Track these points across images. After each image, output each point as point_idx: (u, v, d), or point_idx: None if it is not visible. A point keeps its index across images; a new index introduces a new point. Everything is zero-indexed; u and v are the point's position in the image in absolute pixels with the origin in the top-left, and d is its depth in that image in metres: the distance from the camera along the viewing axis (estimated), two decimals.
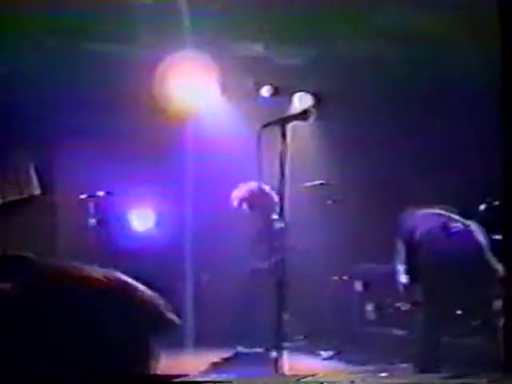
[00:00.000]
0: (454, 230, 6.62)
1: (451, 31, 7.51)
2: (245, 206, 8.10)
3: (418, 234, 6.76)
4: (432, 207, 6.93)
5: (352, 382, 2.65)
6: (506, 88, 4.14)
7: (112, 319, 1.90)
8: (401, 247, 6.80)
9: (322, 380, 2.66)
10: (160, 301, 2.01)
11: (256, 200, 7.85)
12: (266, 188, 7.53)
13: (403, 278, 6.75)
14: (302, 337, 8.01)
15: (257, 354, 6.96)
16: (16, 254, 2.04)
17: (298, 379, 2.65)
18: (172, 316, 1.99)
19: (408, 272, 6.73)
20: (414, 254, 6.73)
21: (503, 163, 4.29)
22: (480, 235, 6.58)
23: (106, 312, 1.91)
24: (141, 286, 2.02)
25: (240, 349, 7.56)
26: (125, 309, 1.92)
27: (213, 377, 2.41)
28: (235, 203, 8.06)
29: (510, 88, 4.15)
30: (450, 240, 6.58)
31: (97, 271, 2.01)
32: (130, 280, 2.03)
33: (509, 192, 4.44)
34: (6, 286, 1.95)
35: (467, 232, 6.62)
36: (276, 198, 7.66)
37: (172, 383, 2.49)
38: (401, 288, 6.91)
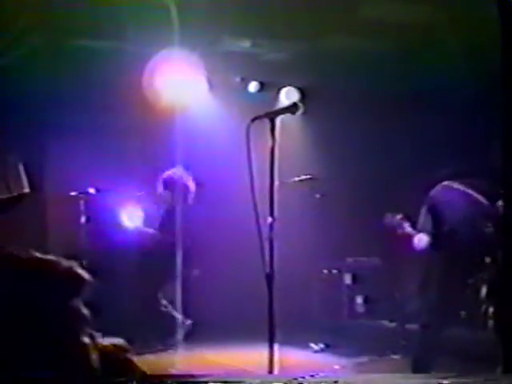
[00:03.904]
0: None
1: (441, 24, 7.55)
2: (161, 188, 8.47)
3: (447, 210, 6.62)
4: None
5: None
6: (507, 82, 4.16)
7: (28, 295, 1.95)
8: (428, 217, 6.67)
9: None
10: (70, 262, 2.06)
11: (174, 184, 8.36)
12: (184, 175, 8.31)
13: (423, 243, 6.59)
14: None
15: None
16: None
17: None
18: (81, 271, 2.05)
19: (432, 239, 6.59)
20: (440, 225, 6.59)
21: (504, 161, 4.30)
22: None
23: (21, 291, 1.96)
24: (52, 258, 2.06)
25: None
26: (38, 282, 1.98)
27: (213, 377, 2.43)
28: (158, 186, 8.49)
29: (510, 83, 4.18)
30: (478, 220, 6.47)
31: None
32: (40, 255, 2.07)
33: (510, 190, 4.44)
34: None
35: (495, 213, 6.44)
36: (191, 184, 8.19)
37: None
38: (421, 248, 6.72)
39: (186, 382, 2.57)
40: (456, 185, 6.62)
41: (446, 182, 6.62)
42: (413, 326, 7.06)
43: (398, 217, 6.80)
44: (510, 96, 4.19)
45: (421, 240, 6.54)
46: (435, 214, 6.59)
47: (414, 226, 6.71)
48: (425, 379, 3.38)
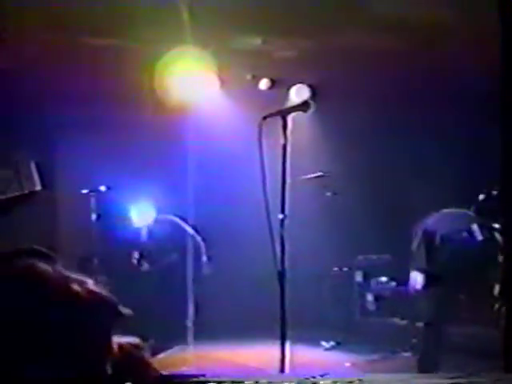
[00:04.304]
0: (477, 234, 6.47)
1: (451, 19, 7.52)
2: None
3: (440, 237, 6.59)
4: (453, 208, 6.75)
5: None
6: (507, 77, 4.15)
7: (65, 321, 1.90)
8: (421, 251, 6.64)
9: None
10: (109, 295, 2.02)
11: None
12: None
13: (419, 285, 6.59)
14: None
15: None
16: (30, 248, 2.05)
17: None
18: (124, 309, 2.02)
19: (426, 278, 6.57)
20: (435, 257, 6.57)
21: (503, 154, 4.30)
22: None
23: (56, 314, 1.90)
24: (88, 282, 2.01)
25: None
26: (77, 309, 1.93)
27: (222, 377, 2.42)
28: None
29: (510, 77, 4.16)
30: (473, 243, 6.45)
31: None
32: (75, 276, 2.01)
33: (508, 182, 4.44)
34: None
35: (491, 236, 6.43)
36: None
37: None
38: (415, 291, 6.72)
39: (198, 382, 2.57)
40: (446, 210, 6.62)
41: (435, 213, 6.61)
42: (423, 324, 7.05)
43: (383, 279, 6.82)
44: (510, 96, 4.17)
45: (416, 281, 6.51)
46: (428, 247, 6.55)
47: (398, 284, 6.71)
48: (436, 379, 3.37)
